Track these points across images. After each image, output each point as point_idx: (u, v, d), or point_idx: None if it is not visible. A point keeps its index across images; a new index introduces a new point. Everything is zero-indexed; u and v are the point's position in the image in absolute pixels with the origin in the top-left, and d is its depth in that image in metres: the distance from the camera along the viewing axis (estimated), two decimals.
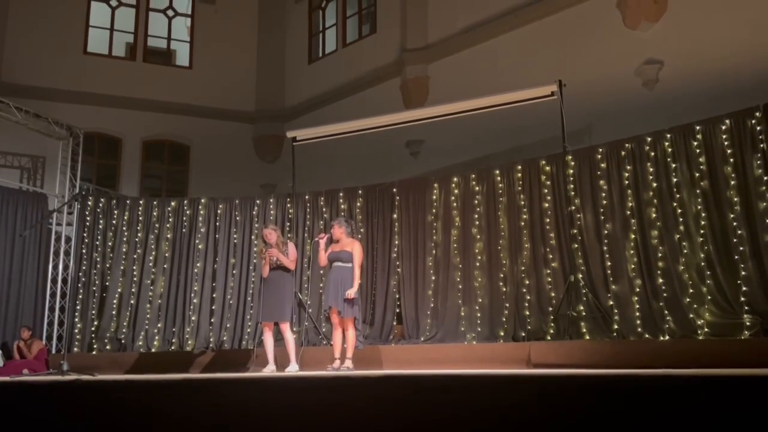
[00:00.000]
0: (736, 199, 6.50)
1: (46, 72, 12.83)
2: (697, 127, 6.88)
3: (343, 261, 6.77)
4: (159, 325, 9.54)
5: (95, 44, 13.79)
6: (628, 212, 7.23)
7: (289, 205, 9.50)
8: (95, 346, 9.51)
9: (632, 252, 7.13)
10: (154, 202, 10.10)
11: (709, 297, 6.51)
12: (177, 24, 14.69)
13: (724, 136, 6.69)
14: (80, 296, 9.80)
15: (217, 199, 9.89)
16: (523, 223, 8.00)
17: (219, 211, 9.78)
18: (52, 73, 12.89)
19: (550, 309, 7.53)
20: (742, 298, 6.27)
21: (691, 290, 6.64)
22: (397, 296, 8.75)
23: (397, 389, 2.71)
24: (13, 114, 9.94)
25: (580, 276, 7.36)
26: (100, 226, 10.00)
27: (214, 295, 9.48)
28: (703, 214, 6.71)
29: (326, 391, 2.81)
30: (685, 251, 6.77)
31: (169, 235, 9.84)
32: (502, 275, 8.03)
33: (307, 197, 9.50)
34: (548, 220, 7.83)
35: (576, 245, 7.52)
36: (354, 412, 2.64)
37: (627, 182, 7.29)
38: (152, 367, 8.34)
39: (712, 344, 6.04)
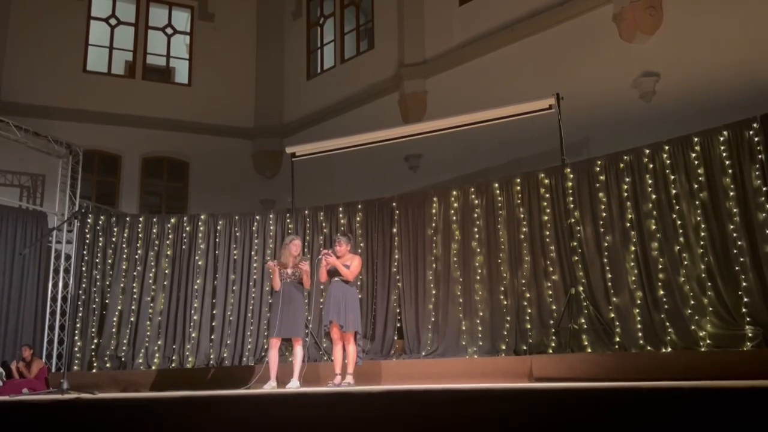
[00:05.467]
0: (735, 210, 6.51)
1: (46, 90, 12.89)
2: (696, 139, 6.91)
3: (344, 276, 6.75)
4: (159, 343, 9.50)
5: (94, 62, 13.87)
6: (628, 224, 7.23)
7: (288, 221, 9.50)
8: (95, 364, 9.47)
9: (633, 264, 7.13)
10: (154, 219, 10.09)
11: (711, 308, 6.50)
12: (176, 42, 14.79)
13: (722, 147, 6.71)
14: (80, 314, 9.77)
15: (217, 215, 9.89)
16: (522, 236, 8.00)
17: (219, 228, 9.78)
18: (52, 91, 12.95)
19: (552, 322, 7.51)
20: (744, 309, 6.26)
21: (692, 302, 6.63)
22: (398, 310, 8.72)
23: (399, 404, 2.70)
24: (12, 133, 9.97)
25: (581, 288, 7.35)
26: (100, 244, 9.99)
27: (214, 312, 9.46)
28: (703, 226, 6.72)
29: (328, 407, 2.79)
30: (686, 263, 6.76)
31: (168, 252, 9.83)
32: (502, 288, 8.02)
33: (306, 212, 9.50)
34: (548, 232, 7.83)
35: (576, 258, 7.52)
36: (356, 427, 2.62)
37: (626, 194, 7.30)
38: (153, 385, 8.31)
39: (714, 356, 6.02)
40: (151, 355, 9.42)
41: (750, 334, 6.07)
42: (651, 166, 7.18)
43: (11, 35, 13.01)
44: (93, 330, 9.66)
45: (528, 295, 7.82)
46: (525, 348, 7.56)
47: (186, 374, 8.75)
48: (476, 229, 8.36)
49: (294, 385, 6.77)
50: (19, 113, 11.49)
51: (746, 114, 6.66)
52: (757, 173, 6.44)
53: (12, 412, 3.22)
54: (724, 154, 6.68)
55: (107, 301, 9.77)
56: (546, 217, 7.87)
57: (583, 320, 7.20)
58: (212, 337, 9.37)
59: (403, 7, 12.23)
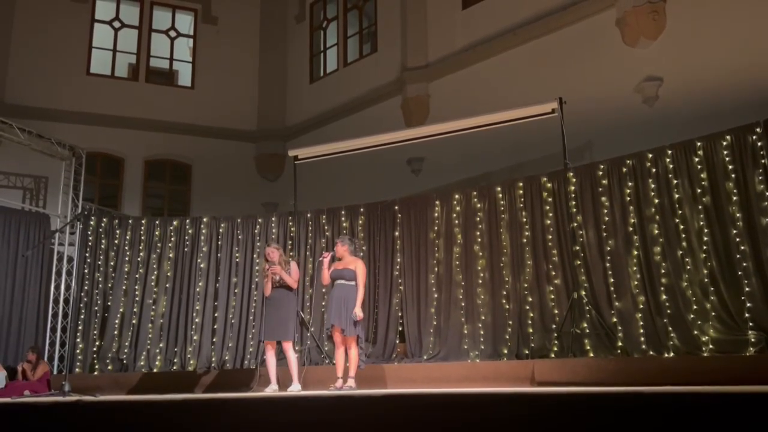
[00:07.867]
0: (738, 214, 6.50)
1: (50, 93, 12.92)
2: (698, 143, 6.89)
3: (347, 279, 6.75)
4: (161, 345, 9.50)
5: (98, 65, 13.90)
6: (631, 228, 7.22)
7: (291, 224, 9.50)
8: (97, 367, 9.47)
9: (635, 268, 7.11)
10: (156, 222, 10.10)
11: (713, 313, 6.49)
12: (179, 45, 14.81)
13: (725, 152, 6.69)
14: (82, 316, 9.77)
15: (219, 218, 9.89)
16: (525, 240, 7.99)
17: (221, 230, 9.78)
18: (55, 94, 12.98)
19: (554, 326, 7.49)
20: (747, 314, 6.24)
21: (695, 306, 6.61)
22: (400, 314, 8.71)
23: (400, 408, 2.70)
24: (16, 135, 9.99)
25: (583, 293, 7.34)
26: (102, 246, 10.00)
27: (216, 315, 9.46)
28: (706, 230, 6.70)
29: (329, 410, 2.79)
30: (688, 267, 6.75)
31: (171, 255, 9.83)
32: (504, 292, 8.01)
33: (308, 215, 9.50)
34: (550, 236, 7.82)
35: (578, 262, 7.50)
36: (357, 431, 2.62)
37: (629, 198, 7.29)
38: (154, 388, 8.30)
39: (717, 361, 5.99)
40: (153, 358, 9.42)
41: (753, 339, 6.05)
42: (654, 170, 7.17)
43: (15, 38, 13.05)
44: (95, 332, 9.66)
45: (530, 299, 7.80)
46: (527, 352, 7.54)
47: (187, 377, 8.74)
48: (478, 233, 8.35)
49: (295, 389, 6.78)
50: (22, 115, 11.52)
51: (749, 119, 6.65)
52: (760, 178, 6.42)
53: (14, 414, 3.22)
54: (727, 159, 6.67)
55: (109, 303, 9.78)
56: (548, 221, 7.86)
57: (585, 325, 7.18)
58: (214, 339, 9.37)
59: (406, 11, 12.24)
